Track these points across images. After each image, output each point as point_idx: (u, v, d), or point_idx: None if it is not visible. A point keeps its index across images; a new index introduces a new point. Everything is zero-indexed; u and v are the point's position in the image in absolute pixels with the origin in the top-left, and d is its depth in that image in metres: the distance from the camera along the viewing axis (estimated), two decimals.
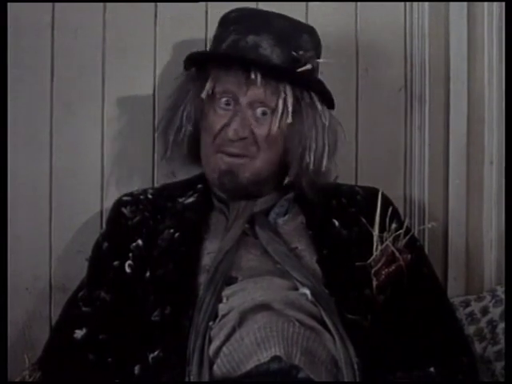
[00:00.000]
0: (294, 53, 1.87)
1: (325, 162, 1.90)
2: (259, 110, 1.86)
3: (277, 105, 1.86)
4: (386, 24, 2.20)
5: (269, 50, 1.87)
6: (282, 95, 1.86)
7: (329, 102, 1.93)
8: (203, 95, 1.87)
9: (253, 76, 1.84)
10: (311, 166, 1.89)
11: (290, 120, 1.86)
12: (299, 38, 1.90)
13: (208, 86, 1.87)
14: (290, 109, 1.86)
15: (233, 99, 1.86)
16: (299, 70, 1.87)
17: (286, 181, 1.91)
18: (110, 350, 1.76)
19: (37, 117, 2.06)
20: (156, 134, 2.06)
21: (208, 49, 2.00)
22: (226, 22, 1.92)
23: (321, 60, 1.92)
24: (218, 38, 1.92)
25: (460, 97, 2.18)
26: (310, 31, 1.93)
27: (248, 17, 1.91)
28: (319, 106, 1.90)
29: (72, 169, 2.07)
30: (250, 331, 1.66)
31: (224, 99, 1.87)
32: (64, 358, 1.77)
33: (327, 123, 1.90)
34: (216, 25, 1.95)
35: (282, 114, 1.86)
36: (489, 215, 2.18)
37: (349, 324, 1.73)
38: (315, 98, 1.90)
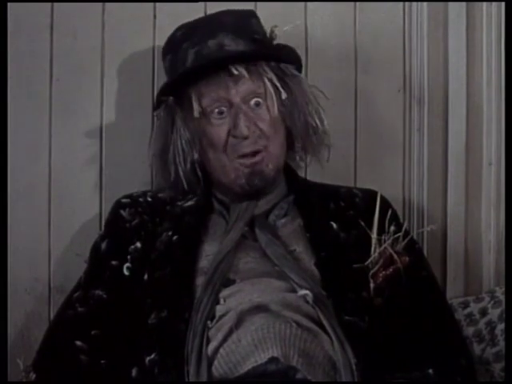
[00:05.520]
0: (256, 36, 1.89)
1: (325, 120, 1.93)
2: (253, 102, 1.86)
3: (265, 88, 1.86)
4: (384, 25, 2.19)
5: (233, 44, 1.87)
6: (267, 76, 1.86)
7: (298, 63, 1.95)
8: (196, 114, 1.85)
9: (235, 71, 1.83)
10: (320, 127, 1.92)
11: (284, 96, 1.87)
12: (250, 23, 1.91)
13: (195, 104, 1.85)
14: (279, 86, 1.87)
15: (225, 104, 1.85)
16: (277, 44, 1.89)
17: (298, 158, 1.96)
18: (105, 352, 1.77)
19: (36, 118, 2.06)
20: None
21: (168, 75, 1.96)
22: (175, 43, 1.91)
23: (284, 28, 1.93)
24: (176, 60, 1.90)
25: (459, 98, 2.18)
26: (253, 14, 1.95)
27: (196, 27, 1.91)
28: (296, 72, 1.92)
29: (71, 171, 2.07)
30: (248, 332, 1.66)
31: (216, 109, 1.85)
32: (58, 359, 1.78)
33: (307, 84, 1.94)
34: None
35: (275, 93, 1.87)
36: (488, 216, 2.18)
37: (346, 326, 1.73)
38: (290, 67, 1.91)
